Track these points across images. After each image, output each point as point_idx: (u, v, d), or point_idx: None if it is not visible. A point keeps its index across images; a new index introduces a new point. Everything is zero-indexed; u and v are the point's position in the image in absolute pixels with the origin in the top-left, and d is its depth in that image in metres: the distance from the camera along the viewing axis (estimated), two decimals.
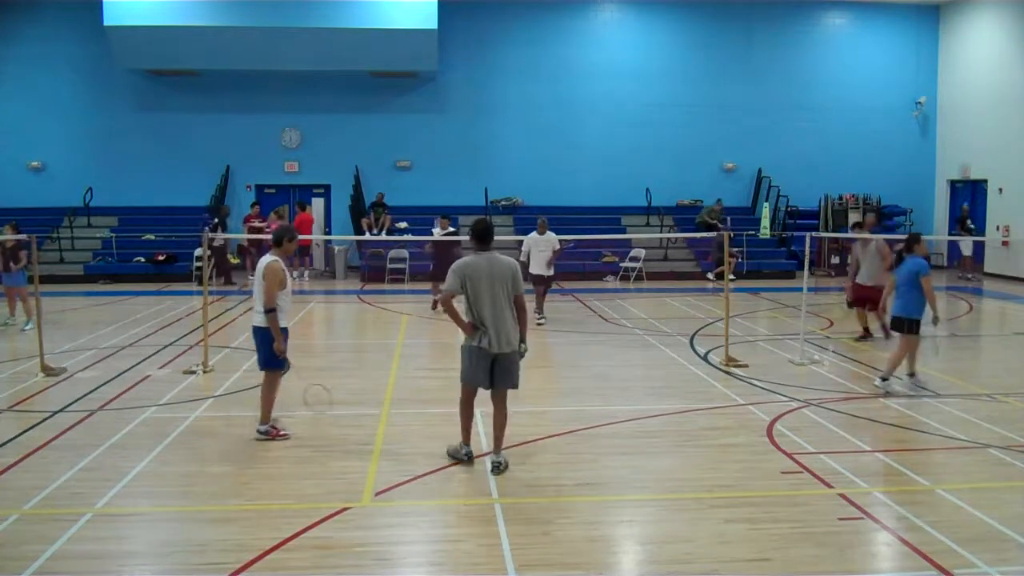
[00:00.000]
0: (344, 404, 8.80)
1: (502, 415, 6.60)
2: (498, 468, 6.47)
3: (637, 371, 10.49)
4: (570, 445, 7.31)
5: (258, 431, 7.39)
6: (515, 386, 6.60)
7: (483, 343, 6.35)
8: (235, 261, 20.18)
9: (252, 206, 21.28)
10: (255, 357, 7.54)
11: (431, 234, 15.99)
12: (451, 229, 16.08)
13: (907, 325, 8.93)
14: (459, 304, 6.49)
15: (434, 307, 15.07)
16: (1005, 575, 4.89)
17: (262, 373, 7.45)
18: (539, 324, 13.44)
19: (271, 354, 7.24)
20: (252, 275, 21.24)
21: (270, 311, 7.09)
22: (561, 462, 6.82)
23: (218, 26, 20.27)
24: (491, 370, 6.46)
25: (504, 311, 6.40)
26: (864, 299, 12.07)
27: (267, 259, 7.23)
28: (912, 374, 9.29)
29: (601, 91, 22.93)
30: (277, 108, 22.55)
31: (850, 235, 14.32)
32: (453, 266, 6.44)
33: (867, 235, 12.40)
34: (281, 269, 7.22)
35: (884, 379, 9.07)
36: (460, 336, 6.62)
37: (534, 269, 13.77)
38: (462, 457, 6.67)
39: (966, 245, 20.95)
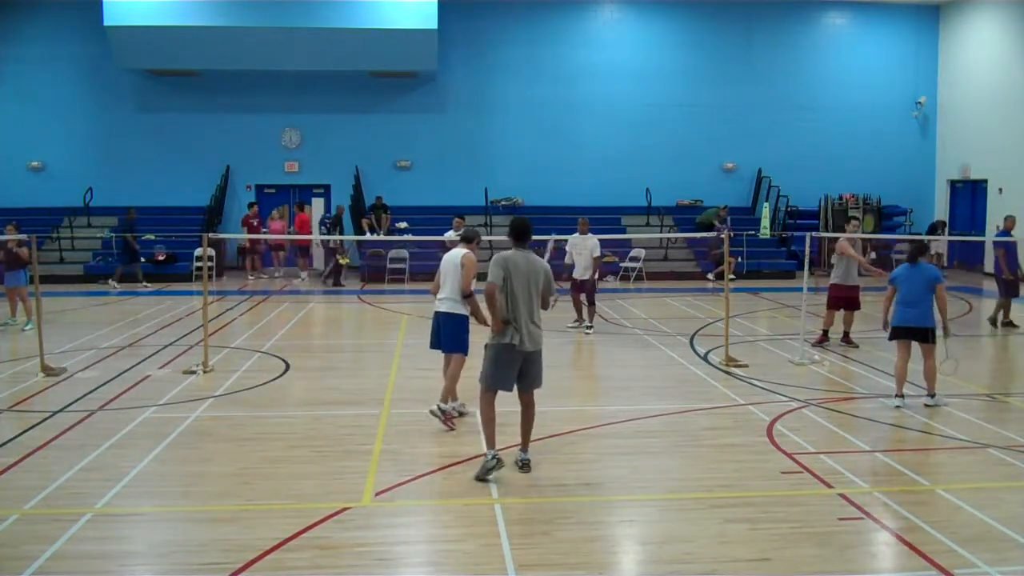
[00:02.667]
0: (344, 404, 8.81)
1: (532, 413, 6.64)
2: (527, 465, 6.51)
3: (637, 371, 10.48)
4: (570, 445, 7.31)
5: (439, 407, 7.78)
6: (540, 385, 6.67)
7: (514, 340, 6.35)
8: (345, 262, 19.95)
9: (250, 206, 21.27)
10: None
11: (444, 242, 14.89)
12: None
13: (931, 334, 8.40)
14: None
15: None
16: (1005, 575, 4.89)
17: (450, 356, 7.99)
18: (587, 333, 12.81)
19: (461, 338, 7.90)
20: (251, 275, 21.50)
21: (468, 296, 7.70)
22: (561, 462, 6.82)
23: (218, 26, 20.28)
24: (519, 371, 6.48)
25: (534, 310, 6.48)
26: (842, 299, 11.82)
27: (462, 251, 7.87)
28: (901, 395, 8.68)
29: (601, 91, 22.93)
30: (277, 108, 22.55)
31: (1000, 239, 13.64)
32: (495, 258, 6.46)
33: (854, 236, 11.99)
34: (475, 261, 7.87)
35: (932, 396, 8.53)
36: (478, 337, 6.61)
37: (574, 273, 13.01)
38: (492, 465, 6.31)
39: (936, 245, 21.49)
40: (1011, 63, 21.12)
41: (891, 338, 8.69)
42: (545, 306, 6.64)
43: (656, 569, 5.01)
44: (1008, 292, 13.60)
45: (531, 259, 6.51)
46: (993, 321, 13.78)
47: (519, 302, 6.39)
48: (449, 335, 7.92)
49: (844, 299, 11.80)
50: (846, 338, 11.92)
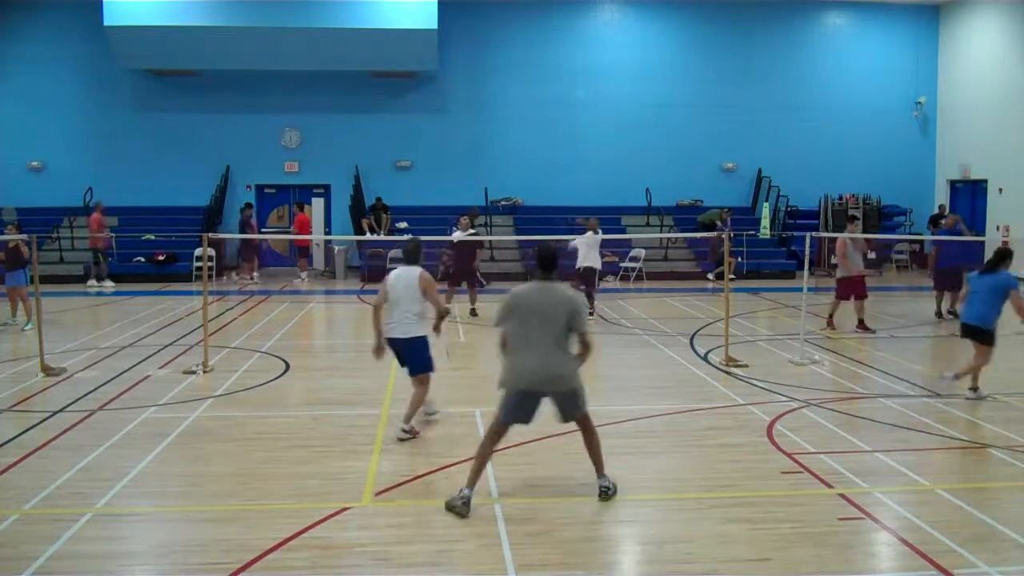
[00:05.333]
0: (344, 404, 8.81)
1: (588, 438, 6.05)
2: (606, 493, 5.97)
3: (637, 371, 10.48)
4: (570, 445, 7.28)
5: (403, 430, 7.43)
6: (580, 411, 5.98)
7: (515, 383, 5.78)
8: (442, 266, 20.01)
9: (245, 208, 21.12)
10: (414, 364, 7.63)
11: (449, 235, 15.24)
12: (472, 231, 15.10)
13: (985, 335, 8.71)
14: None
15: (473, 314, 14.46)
16: (1005, 575, 4.89)
17: (417, 377, 7.59)
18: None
19: (428, 359, 7.59)
20: (253, 276, 21.31)
21: (446, 314, 7.64)
22: (561, 462, 6.82)
23: (218, 26, 20.27)
24: (536, 408, 5.90)
25: (549, 349, 5.74)
26: (850, 290, 12.90)
27: (417, 269, 7.48)
28: (975, 388, 8.92)
29: (601, 91, 22.93)
30: (277, 108, 22.55)
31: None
32: (504, 298, 5.89)
33: (856, 236, 13.05)
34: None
35: (957, 376, 8.82)
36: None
37: (577, 263, 14.16)
38: (456, 504, 5.70)
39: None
40: (1011, 63, 21.12)
41: (960, 335, 9.17)
42: (585, 345, 5.92)
43: (656, 569, 5.01)
44: (940, 285, 14.48)
45: (551, 293, 5.82)
46: (938, 313, 14.49)
47: (521, 341, 5.79)
48: (415, 360, 7.54)
49: (852, 290, 12.85)
50: (861, 325, 12.86)
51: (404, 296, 7.39)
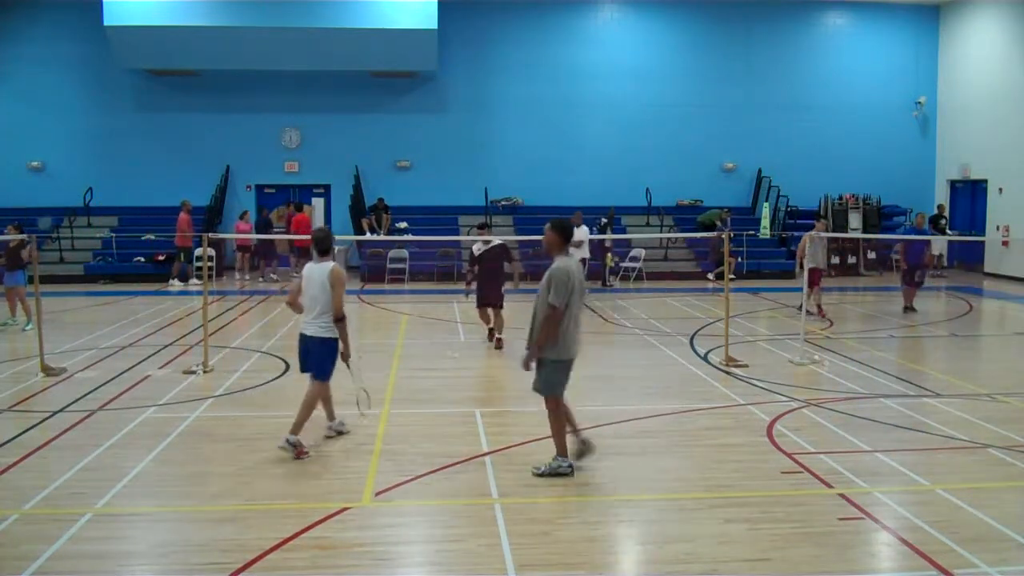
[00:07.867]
0: (344, 404, 8.80)
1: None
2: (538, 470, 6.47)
3: (637, 371, 10.49)
4: (570, 445, 7.30)
5: (288, 440, 6.87)
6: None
7: (571, 354, 6.31)
8: (613, 262, 19.80)
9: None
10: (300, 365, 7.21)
11: (471, 252, 12.37)
12: (491, 240, 12.26)
13: None
14: None
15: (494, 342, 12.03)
16: (1005, 575, 4.89)
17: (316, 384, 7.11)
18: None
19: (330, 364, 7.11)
20: (258, 277, 21.15)
21: (341, 320, 6.87)
22: None
23: (218, 26, 20.27)
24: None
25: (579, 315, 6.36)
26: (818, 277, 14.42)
27: (331, 264, 6.94)
28: None
29: (601, 91, 22.93)
30: (277, 108, 22.55)
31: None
32: (556, 276, 6.12)
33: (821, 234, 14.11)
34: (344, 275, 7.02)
35: None
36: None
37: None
38: (566, 470, 6.40)
39: (936, 244, 21.56)
40: (1011, 63, 21.11)
41: None
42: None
43: (656, 569, 5.01)
44: (907, 282, 15.30)
45: (575, 262, 6.42)
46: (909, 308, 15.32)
47: (574, 313, 6.27)
48: (320, 362, 7.09)
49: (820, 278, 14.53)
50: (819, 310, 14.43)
51: (320, 290, 6.88)
